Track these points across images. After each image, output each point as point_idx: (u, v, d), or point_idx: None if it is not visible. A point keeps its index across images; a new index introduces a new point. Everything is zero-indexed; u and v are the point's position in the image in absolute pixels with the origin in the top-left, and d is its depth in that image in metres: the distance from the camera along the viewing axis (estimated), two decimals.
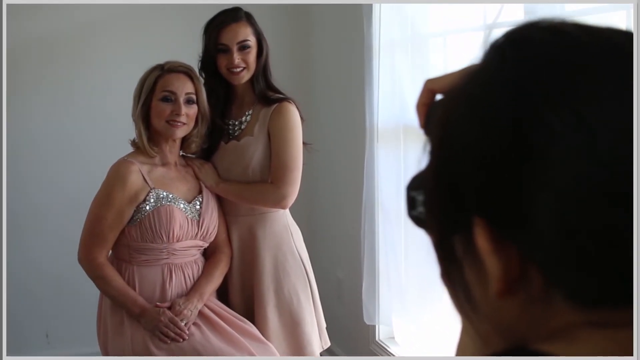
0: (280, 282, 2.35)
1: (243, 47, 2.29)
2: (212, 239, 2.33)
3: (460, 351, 0.55)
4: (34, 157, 3.47)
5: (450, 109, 0.51)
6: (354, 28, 3.03)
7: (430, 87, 0.62)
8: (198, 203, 2.30)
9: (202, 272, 2.32)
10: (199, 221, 2.28)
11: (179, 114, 2.22)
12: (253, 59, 2.32)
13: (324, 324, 2.47)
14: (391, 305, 2.87)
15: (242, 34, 2.30)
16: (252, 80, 2.35)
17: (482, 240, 0.46)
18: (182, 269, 2.27)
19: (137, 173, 2.22)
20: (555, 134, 0.43)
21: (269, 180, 2.32)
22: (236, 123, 2.38)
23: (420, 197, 0.54)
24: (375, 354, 3.10)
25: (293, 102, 2.35)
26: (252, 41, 2.31)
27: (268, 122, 2.31)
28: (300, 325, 2.36)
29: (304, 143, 2.36)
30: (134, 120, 2.27)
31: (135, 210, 2.21)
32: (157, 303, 2.21)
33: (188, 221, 2.25)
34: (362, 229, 2.93)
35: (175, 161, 2.33)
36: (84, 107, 3.51)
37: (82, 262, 2.26)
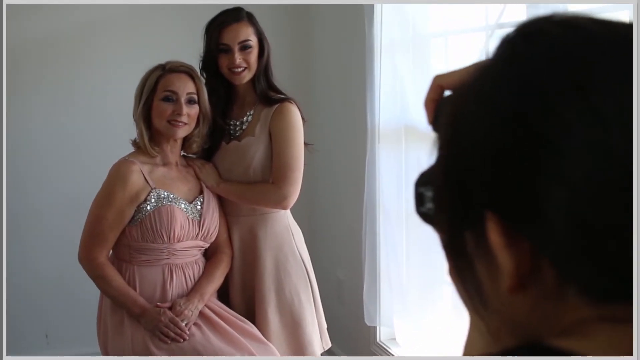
0: (281, 282, 2.34)
1: (244, 47, 2.29)
2: (213, 239, 2.33)
3: (469, 346, 0.55)
4: (34, 157, 3.46)
5: (460, 104, 0.50)
6: (355, 28, 3.03)
7: (439, 83, 0.62)
8: (199, 203, 2.29)
9: (203, 272, 2.31)
10: (199, 221, 2.27)
11: (180, 114, 2.21)
12: (254, 59, 2.31)
13: (324, 325, 2.47)
14: (392, 306, 2.86)
15: (244, 33, 2.29)
16: (253, 81, 2.35)
17: (494, 235, 0.46)
18: (182, 269, 2.26)
19: (138, 173, 2.21)
20: (570, 128, 0.43)
21: (270, 180, 2.32)
22: (237, 123, 2.37)
23: (428, 194, 0.54)
24: (376, 355, 3.09)
25: (294, 102, 2.35)
26: (253, 41, 2.31)
27: (269, 123, 2.31)
28: (301, 325, 2.36)
29: (305, 143, 2.35)
30: (135, 120, 2.27)
31: (136, 210, 2.20)
32: (158, 303, 2.20)
33: (189, 221, 2.24)
34: (363, 230, 2.93)
35: (176, 161, 2.33)
36: (84, 107, 3.50)
37: (83, 262, 2.25)
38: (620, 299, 0.44)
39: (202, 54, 2.36)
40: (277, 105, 2.32)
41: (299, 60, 3.66)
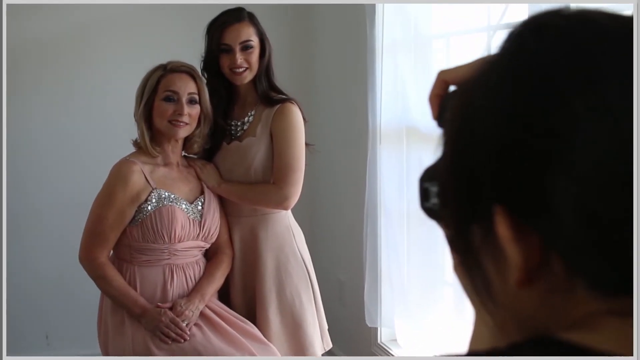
0: (282, 283, 2.34)
1: (246, 47, 2.29)
2: (213, 239, 2.33)
3: (475, 340, 0.55)
4: (34, 157, 3.46)
5: (468, 98, 0.50)
6: (357, 29, 3.03)
7: (443, 78, 0.62)
8: (200, 204, 2.29)
9: (204, 272, 2.31)
10: (200, 222, 2.27)
11: (181, 114, 2.21)
12: (256, 59, 2.31)
13: (325, 326, 2.46)
14: (393, 307, 2.86)
15: (245, 34, 2.29)
16: (254, 81, 2.34)
17: (502, 229, 0.46)
18: (183, 270, 2.26)
19: (139, 173, 2.21)
20: (580, 120, 0.43)
21: (271, 181, 2.31)
22: (238, 123, 2.37)
23: (434, 189, 0.54)
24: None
25: (296, 102, 2.34)
26: (254, 41, 2.31)
27: (270, 123, 2.30)
28: (302, 326, 2.35)
29: (306, 144, 2.35)
30: (136, 120, 2.26)
31: (136, 211, 2.20)
32: (158, 303, 2.20)
33: (190, 222, 2.24)
34: (364, 231, 2.93)
35: (177, 161, 2.32)
36: (84, 107, 3.50)
37: (83, 262, 2.25)
38: (629, 293, 0.44)
39: (203, 54, 2.36)
40: (278, 106, 2.31)
41: (300, 60, 3.66)
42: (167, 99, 2.22)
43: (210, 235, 2.30)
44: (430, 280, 2.63)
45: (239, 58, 2.27)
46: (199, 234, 2.27)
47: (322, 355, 2.44)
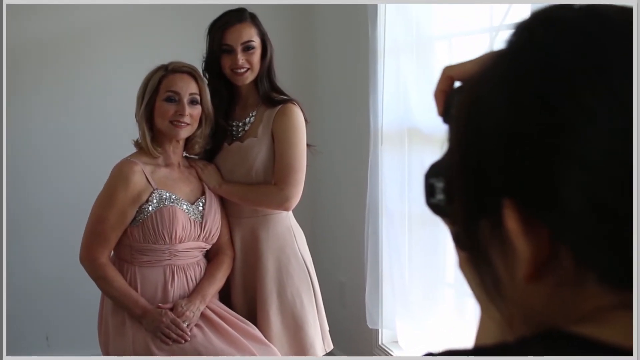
0: (283, 284, 2.34)
1: (247, 47, 2.28)
2: (214, 240, 2.32)
3: (482, 334, 0.55)
4: (34, 157, 3.45)
5: (476, 92, 0.50)
6: (359, 30, 3.03)
7: (449, 74, 0.62)
8: (201, 204, 2.28)
9: (205, 273, 2.31)
10: (201, 222, 2.26)
11: (182, 115, 2.21)
12: (257, 59, 2.30)
13: (326, 327, 2.46)
14: (394, 309, 2.86)
15: (247, 34, 2.29)
16: (256, 81, 2.34)
17: (511, 222, 0.46)
18: (184, 271, 2.26)
19: (140, 173, 2.21)
20: (591, 112, 0.43)
21: (272, 182, 2.31)
22: (240, 124, 2.37)
23: (439, 185, 0.54)
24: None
25: (297, 103, 2.34)
26: (256, 42, 2.30)
27: (272, 124, 2.30)
28: (303, 328, 2.35)
29: (307, 145, 2.35)
30: (138, 120, 2.26)
31: (137, 211, 2.19)
32: (159, 304, 2.20)
33: (191, 222, 2.23)
34: (366, 232, 2.92)
35: (178, 162, 2.32)
36: (83, 108, 3.49)
37: (84, 262, 2.24)
38: None
39: (204, 55, 2.35)
40: (279, 107, 2.31)
41: (302, 61, 3.65)
42: (169, 100, 2.22)
43: (211, 236, 2.30)
44: (432, 282, 2.63)
45: (241, 59, 2.27)
46: (199, 235, 2.26)
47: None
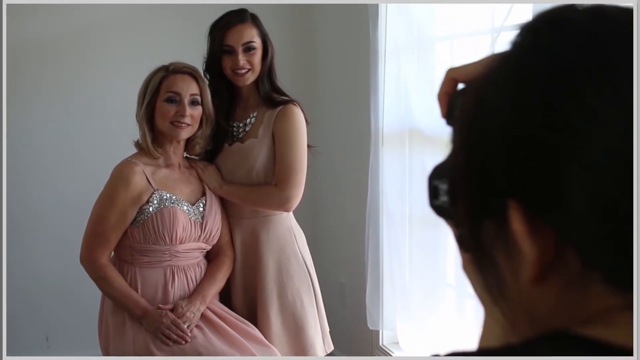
0: (284, 285, 2.34)
1: (248, 48, 2.28)
2: (215, 241, 2.32)
3: (486, 336, 0.55)
4: (34, 157, 3.45)
5: (480, 93, 0.50)
6: (360, 31, 3.02)
7: (452, 76, 0.62)
8: (201, 205, 2.28)
9: (205, 274, 2.31)
10: (202, 223, 2.26)
11: (183, 115, 2.21)
12: (258, 60, 2.30)
13: (327, 328, 2.46)
14: (395, 310, 2.86)
15: (248, 35, 2.28)
16: (257, 82, 2.34)
17: (517, 223, 0.46)
18: (184, 271, 2.25)
19: (140, 174, 2.20)
20: (596, 113, 0.43)
21: (272, 182, 2.31)
22: (240, 125, 2.36)
23: (443, 186, 0.54)
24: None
25: (298, 104, 2.34)
26: (257, 43, 2.30)
27: (273, 125, 2.30)
28: (303, 329, 2.35)
29: (308, 146, 2.34)
30: (138, 121, 2.26)
31: (138, 212, 2.19)
32: (160, 305, 2.20)
33: (191, 223, 2.23)
34: (366, 233, 2.92)
35: (179, 163, 2.32)
36: (83, 108, 3.49)
37: (84, 263, 2.24)
38: None
39: (205, 55, 2.35)
40: (280, 107, 2.31)
41: (303, 61, 3.65)
42: (169, 100, 2.21)
43: (211, 236, 2.30)
44: (432, 283, 2.63)
45: (242, 59, 2.27)
46: (200, 236, 2.26)
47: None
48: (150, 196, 2.19)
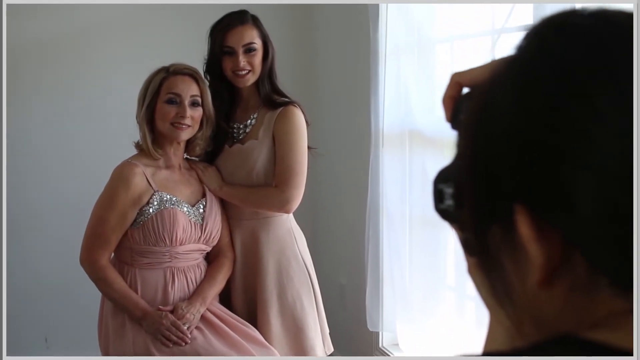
0: (284, 287, 2.33)
1: (249, 49, 2.28)
2: (215, 242, 2.32)
3: (491, 340, 0.54)
4: (34, 157, 3.45)
5: (486, 97, 0.50)
6: (360, 32, 3.02)
7: (457, 81, 0.62)
8: (201, 206, 2.28)
9: (205, 276, 2.30)
10: (202, 225, 2.26)
11: (183, 117, 2.20)
12: (259, 61, 2.30)
13: (327, 330, 2.46)
14: (395, 312, 2.85)
15: (248, 36, 2.28)
16: (257, 84, 2.34)
17: (524, 227, 0.46)
18: (184, 273, 2.25)
19: (140, 175, 2.20)
20: (603, 116, 0.43)
21: (273, 184, 2.30)
22: (241, 126, 2.36)
23: (448, 190, 0.54)
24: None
25: (298, 105, 2.34)
26: (258, 44, 2.30)
27: (273, 126, 2.30)
28: (303, 330, 2.35)
29: (308, 147, 2.34)
30: (139, 122, 2.26)
31: (138, 213, 2.19)
32: (160, 306, 2.20)
33: (191, 225, 2.23)
34: (366, 234, 2.92)
35: (179, 164, 2.32)
36: (84, 108, 3.49)
37: (84, 264, 2.24)
38: None
39: (206, 57, 2.35)
40: (281, 109, 2.31)
41: (303, 62, 3.65)
42: (170, 102, 2.21)
43: (211, 238, 2.29)
44: (432, 284, 2.63)
45: (242, 61, 2.27)
46: (200, 237, 2.26)
47: None
48: (151, 197, 2.19)
